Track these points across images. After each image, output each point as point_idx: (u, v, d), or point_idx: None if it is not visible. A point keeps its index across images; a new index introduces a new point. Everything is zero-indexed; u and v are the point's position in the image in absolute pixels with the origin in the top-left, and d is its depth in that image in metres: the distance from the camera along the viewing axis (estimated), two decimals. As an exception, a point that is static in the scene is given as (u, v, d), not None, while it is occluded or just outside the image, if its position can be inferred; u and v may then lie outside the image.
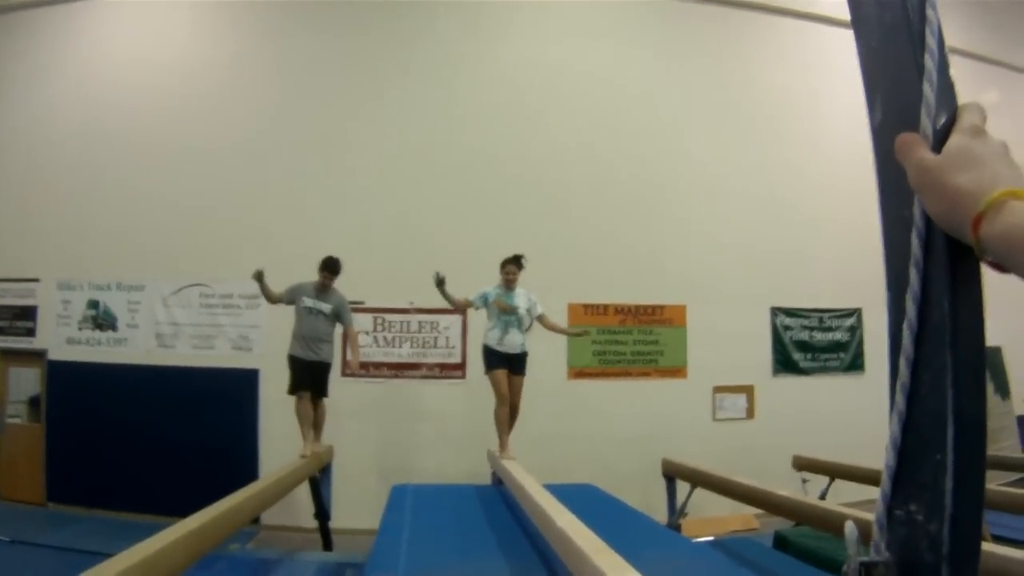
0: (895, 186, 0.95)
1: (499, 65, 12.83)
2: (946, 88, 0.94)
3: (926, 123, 0.91)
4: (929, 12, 0.95)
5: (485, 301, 8.62)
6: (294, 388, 8.43)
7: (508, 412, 8.52)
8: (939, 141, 0.90)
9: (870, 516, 0.99)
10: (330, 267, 8.67)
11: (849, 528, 0.96)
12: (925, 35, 0.95)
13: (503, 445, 8.35)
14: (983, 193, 0.82)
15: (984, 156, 0.85)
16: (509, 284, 8.58)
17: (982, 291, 0.89)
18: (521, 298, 8.59)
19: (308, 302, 8.57)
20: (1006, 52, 15.62)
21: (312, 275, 8.70)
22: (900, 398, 0.92)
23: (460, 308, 9.24)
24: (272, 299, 8.79)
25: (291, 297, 8.68)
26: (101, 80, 12.57)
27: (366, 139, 12.33)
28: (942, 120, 0.92)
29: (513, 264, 8.59)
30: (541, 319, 8.74)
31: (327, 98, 12.49)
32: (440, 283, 8.38)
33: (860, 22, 1.08)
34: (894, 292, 0.97)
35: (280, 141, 12.32)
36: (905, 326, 0.91)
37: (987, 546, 3.96)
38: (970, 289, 0.88)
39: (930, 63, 0.93)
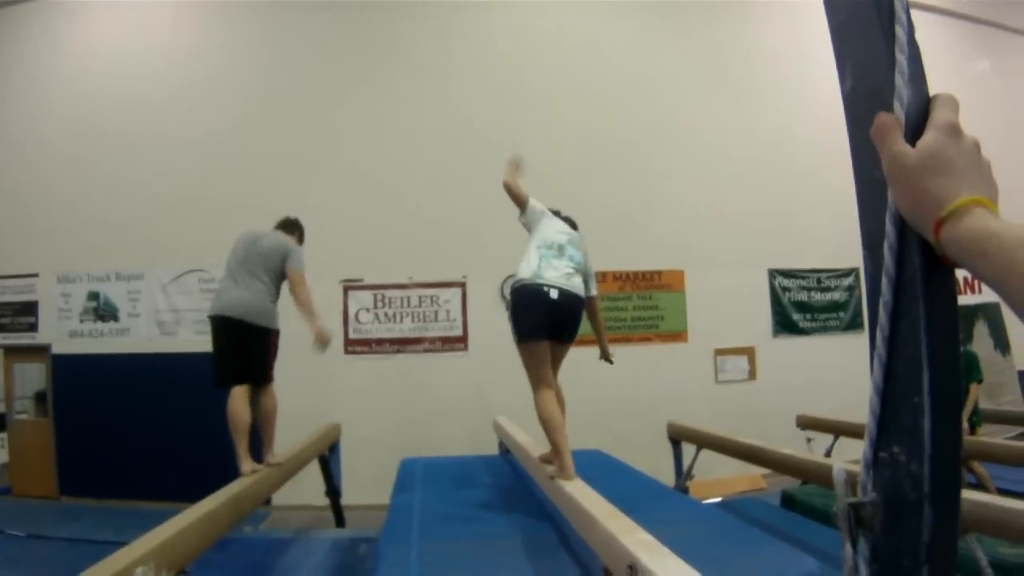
0: (866, 150, 0.98)
1: (490, 39, 12.84)
2: (915, 58, 0.97)
3: (902, 89, 0.94)
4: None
5: None
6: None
7: None
8: (912, 120, 0.93)
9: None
10: None
11: (837, 471, 1.00)
12: (895, 6, 0.98)
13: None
14: (948, 199, 0.86)
15: (956, 160, 0.89)
16: None
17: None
18: None
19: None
20: (998, 13, 15.58)
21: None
22: (881, 345, 0.96)
23: None
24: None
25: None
26: (90, 72, 12.54)
27: (359, 117, 12.33)
28: (914, 89, 0.95)
29: None
30: None
31: (318, 78, 12.48)
32: None
33: None
34: (870, 248, 1.00)
35: (272, 123, 12.32)
36: (884, 276, 0.95)
37: (990, 498, 4.02)
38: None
39: (901, 33, 0.97)
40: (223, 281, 5.88)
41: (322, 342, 5.84)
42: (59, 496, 11.87)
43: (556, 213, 5.72)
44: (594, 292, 5.71)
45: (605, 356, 6.13)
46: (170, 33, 12.67)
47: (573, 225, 5.74)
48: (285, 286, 6.06)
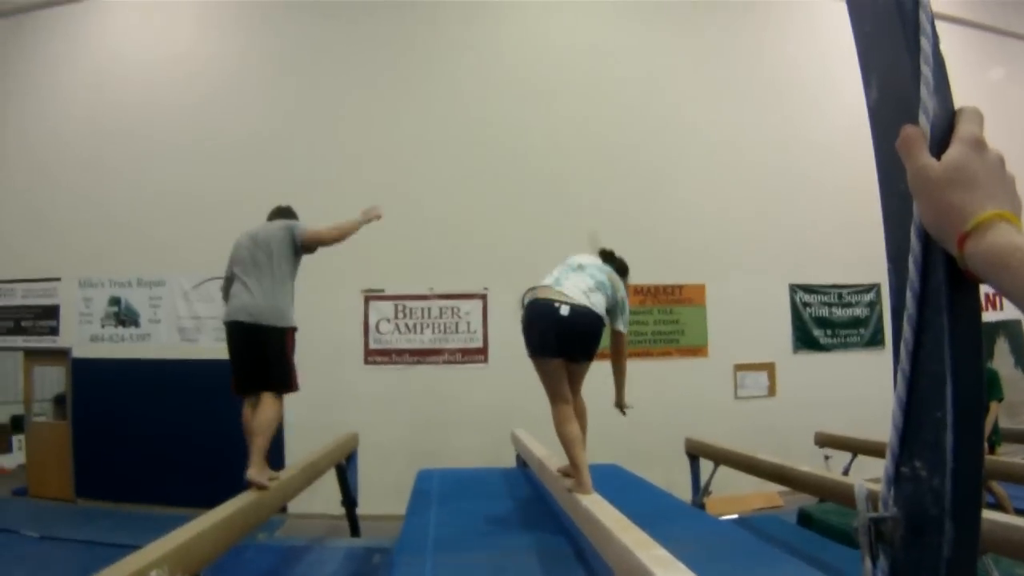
0: (891, 162, 0.98)
1: (507, 49, 12.85)
2: (940, 69, 0.97)
3: (927, 101, 0.94)
4: (922, -5, 0.98)
5: None
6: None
7: None
8: (937, 133, 0.93)
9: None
10: None
11: (859, 487, 0.99)
12: (920, 18, 0.97)
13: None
14: (973, 213, 0.86)
15: (980, 174, 0.89)
16: None
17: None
18: None
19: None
20: (1013, 22, 15.49)
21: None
22: (905, 359, 0.96)
23: None
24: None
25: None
26: (112, 78, 12.64)
27: (379, 126, 12.36)
28: (939, 101, 0.95)
29: None
30: None
31: (339, 87, 12.53)
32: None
33: (854, 6, 1.11)
34: (895, 261, 1.00)
35: (294, 131, 12.37)
36: (908, 289, 0.95)
37: (1008, 518, 3.98)
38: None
39: (926, 44, 0.96)
40: (232, 287, 5.76)
41: (374, 217, 6.52)
42: (75, 498, 11.93)
43: (611, 253, 5.63)
44: (622, 328, 5.50)
45: (619, 404, 6.02)
46: (192, 38, 12.76)
47: (622, 268, 5.64)
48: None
